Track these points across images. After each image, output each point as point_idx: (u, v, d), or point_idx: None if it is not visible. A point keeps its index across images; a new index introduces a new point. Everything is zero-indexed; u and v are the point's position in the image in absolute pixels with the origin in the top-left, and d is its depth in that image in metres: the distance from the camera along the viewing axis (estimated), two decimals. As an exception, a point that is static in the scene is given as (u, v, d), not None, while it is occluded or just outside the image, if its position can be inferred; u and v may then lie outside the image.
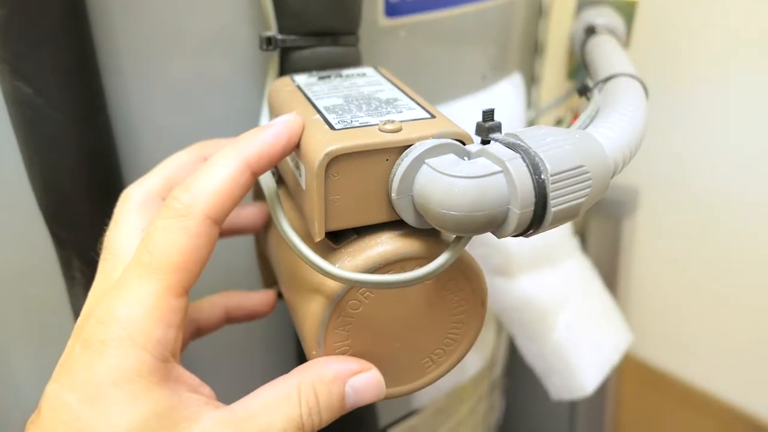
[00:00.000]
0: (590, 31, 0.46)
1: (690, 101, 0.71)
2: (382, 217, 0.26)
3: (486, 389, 0.68)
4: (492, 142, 0.25)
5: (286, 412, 0.24)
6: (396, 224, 0.26)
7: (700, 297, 0.78)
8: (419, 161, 0.24)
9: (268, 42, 0.31)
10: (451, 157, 0.24)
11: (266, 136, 0.25)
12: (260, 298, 0.34)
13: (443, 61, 0.43)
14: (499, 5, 0.46)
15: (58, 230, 0.34)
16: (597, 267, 0.82)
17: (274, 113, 0.30)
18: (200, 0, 0.32)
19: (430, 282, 0.27)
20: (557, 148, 0.24)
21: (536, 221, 0.24)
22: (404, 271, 0.25)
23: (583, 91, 0.35)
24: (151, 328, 0.23)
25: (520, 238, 0.25)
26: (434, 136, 0.25)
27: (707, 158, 0.72)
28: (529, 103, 0.57)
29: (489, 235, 0.29)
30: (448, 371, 0.30)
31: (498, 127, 0.25)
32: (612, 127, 0.27)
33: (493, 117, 0.25)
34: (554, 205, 0.23)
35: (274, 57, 0.32)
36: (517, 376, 0.79)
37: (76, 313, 0.37)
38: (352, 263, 0.25)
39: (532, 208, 0.23)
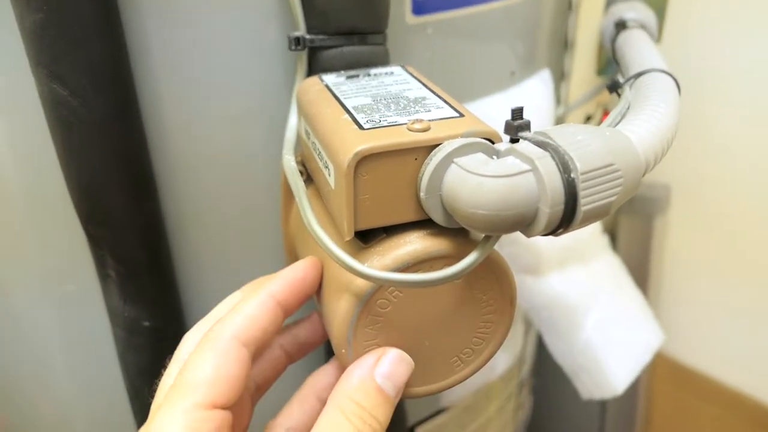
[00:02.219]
0: (621, 25, 0.45)
1: (723, 96, 0.69)
2: (411, 216, 0.26)
3: (514, 388, 0.68)
4: (521, 140, 0.24)
5: None
6: (425, 223, 0.26)
7: (732, 295, 0.77)
8: (448, 160, 0.24)
9: (297, 42, 0.31)
10: (479, 156, 0.24)
11: (286, 273, 0.28)
12: (310, 326, 0.33)
13: (471, 58, 0.43)
14: (527, 1, 0.46)
15: (93, 229, 0.35)
16: (627, 265, 0.81)
17: (302, 112, 0.31)
18: (231, 1, 0.33)
19: (459, 281, 0.27)
20: (587, 146, 0.23)
21: (566, 220, 0.23)
22: (433, 270, 0.25)
23: (614, 88, 0.35)
24: None
25: (550, 237, 0.25)
26: (462, 135, 0.25)
27: (740, 154, 0.70)
28: (559, 99, 0.56)
29: (518, 234, 0.29)
30: (477, 370, 0.30)
31: (527, 126, 0.25)
32: (643, 125, 0.27)
33: (522, 115, 0.25)
34: (584, 204, 0.23)
35: (303, 57, 0.33)
36: (546, 374, 0.78)
37: (110, 311, 0.38)
38: (381, 262, 0.25)
39: (562, 206, 0.23)
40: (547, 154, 0.23)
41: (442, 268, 0.25)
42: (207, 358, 0.25)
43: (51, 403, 0.45)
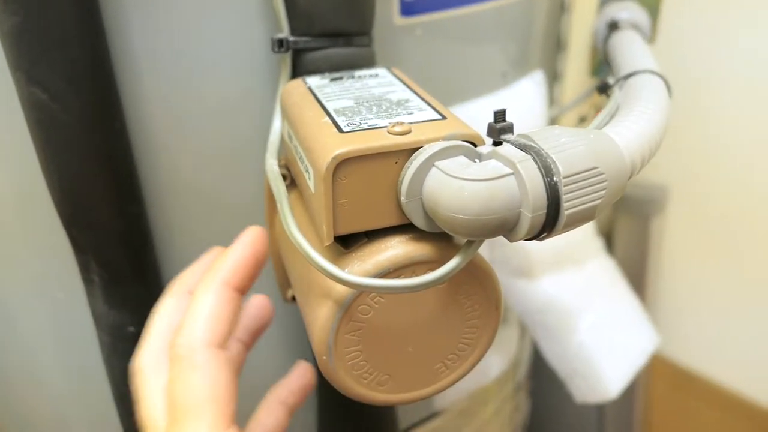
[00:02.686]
0: (613, 26, 0.45)
1: (719, 96, 0.69)
2: (393, 220, 0.25)
3: (510, 390, 0.67)
4: (504, 143, 0.24)
5: None
6: (407, 228, 0.26)
7: (731, 297, 0.76)
8: (428, 164, 0.23)
9: (280, 44, 0.31)
10: (461, 160, 0.24)
11: (234, 254, 0.27)
12: (300, 376, 0.33)
13: (461, 59, 0.42)
14: (519, 2, 0.45)
15: (76, 234, 0.35)
16: (625, 266, 0.81)
17: (285, 115, 0.30)
18: (214, 3, 0.32)
19: (443, 286, 0.26)
20: (571, 149, 0.23)
21: (549, 224, 0.23)
22: (415, 275, 0.25)
23: (604, 89, 0.34)
24: None
25: (534, 241, 0.24)
26: (444, 138, 0.24)
27: (737, 155, 0.70)
28: (552, 100, 0.56)
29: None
30: (462, 376, 0.29)
31: (510, 128, 0.24)
32: (630, 127, 0.27)
33: (504, 118, 0.24)
34: (567, 208, 0.22)
35: (287, 59, 0.32)
36: (544, 376, 0.77)
37: (95, 316, 0.37)
38: (362, 268, 0.25)
39: (545, 211, 0.22)
40: (529, 157, 0.22)
41: (424, 273, 0.24)
42: (193, 380, 0.24)
43: (47, 405, 0.44)
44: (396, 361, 0.27)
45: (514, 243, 0.47)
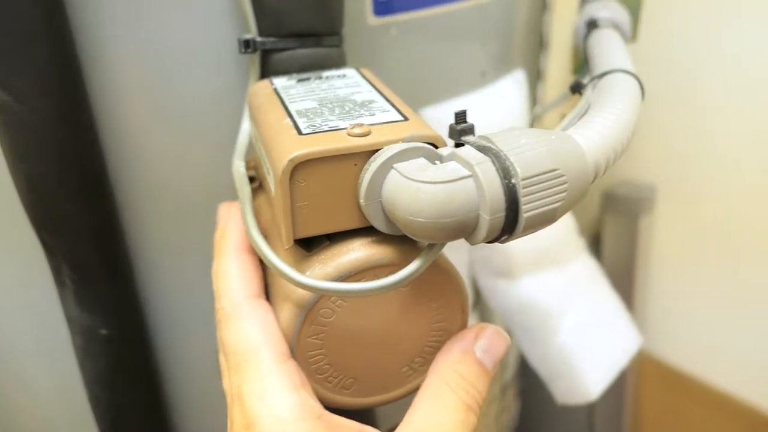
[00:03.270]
0: (592, 24, 0.44)
1: (705, 95, 0.68)
2: (354, 223, 0.25)
3: (497, 392, 0.67)
4: (465, 145, 0.24)
5: (450, 406, 0.25)
6: (370, 230, 0.25)
7: (720, 296, 0.76)
8: (387, 166, 0.23)
9: (246, 45, 0.30)
10: (420, 162, 0.23)
11: (234, 225, 0.30)
12: None
13: (439, 59, 0.42)
14: (499, 0, 0.45)
15: (46, 237, 0.34)
16: (614, 266, 0.81)
17: (252, 116, 0.30)
18: (183, 2, 0.32)
19: (406, 289, 0.26)
20: (530, 150, 0.23)
21: (509, 227, 0.23)
22: (377, 278, 0.24)
23: (577, 88, 0.34)
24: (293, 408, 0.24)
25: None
26: (404, 140, 0.24)
27: (726, 153, 0.70)
28: (535, 99, 0.55)
29: None
30: (430, 380, 0.29)
31: (471, 129, 0.24)
32: (595, 128, 0.26)
33: (465, 119, 0.24)
34: (526, 210, 0.22)
35: (256, 59, 0.32)
36: (533, 376, 0.77)
37: (68, 318, 0.37)
38: (323, 271, 0.25)
39: (503, 213, 0.22)
40: (487, 159, 0.22)
41: (387, 276, 0.24)
42: (246, 330, 0.26)
43: (32, 406, 0.44)
44: (361, 364, 0.27)
45: (495, 243, 0.47)
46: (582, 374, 0.48)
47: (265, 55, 0.32)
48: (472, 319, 0.53)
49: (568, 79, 0.52)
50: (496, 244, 0.47)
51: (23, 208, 0.33)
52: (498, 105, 0.46)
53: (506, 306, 0.48)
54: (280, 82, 0.30)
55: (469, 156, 0.22)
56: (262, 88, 0.30)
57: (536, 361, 0.50)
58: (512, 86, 0.47)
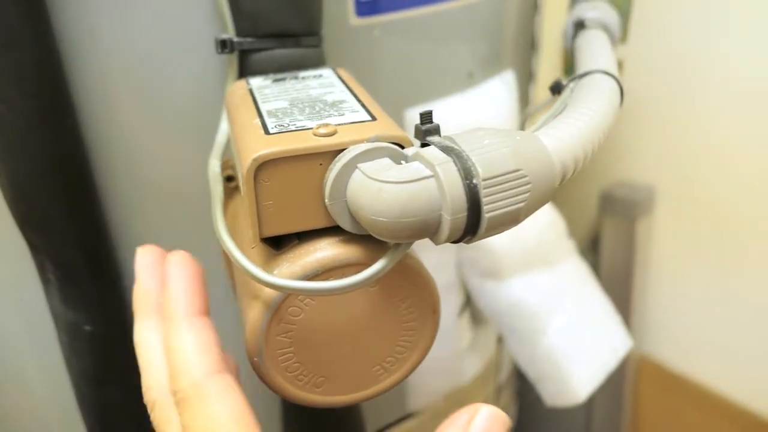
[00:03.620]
0: (579, 25, 0.44)
1: (702, 96, 0.68)
2: (321, 222, 0.25)
3: (491, 392, 0.67)
4: (430, 145, 0.24)
5: None
6: (338, 230, 0.25)
7: (718, 299, 0.75)
8: (351, 165, 0.23)
9: (223, 45, 0.31)
10: (384, 162, 0.23)
11: (178, 284, 0.27)
12: None
13: (424, 60, 0.42)
14: (486, 0, 0.45)
15: (30, 235, 0.35)
16: (612, 268, 0.80)
17: (228, 116, 0.30)
18: (161, 4, 0.32)
19: (375, 289, 0.26)
20: (493, 151, 0.23)
21: (471, 228, 0.23)
22: (345, 277, 0.25)
23: (556, 89, 0.34)
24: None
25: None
26: (369, 140, 0.24)
27: (723, 156, 0.69)
28: (527, 100, 0.55)
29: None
30: (402, 379, 0.29)
31: (436, 130, 0.24)
32: (565, 128, 0.26)
33: (431, 119, 0.24)
34: (488, 211, 0.22)
35: (234, 60, 0.32)
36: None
37: (54, 315, 0.38)
38: (290, 270, 0.25)
39: (465, 213, 0.22)
40: (449, 159, 0.22)
41: (354, 275, 0.24)
42: (214, 410, 0.23)
43: (26, 405, 0.45)
44: (331, 363, 0.27)
45: (482, 244, 0.47)
46: (570, 376, 0.48)
47: (243, 55, 0.32)
48: (464, 318, 0.53)
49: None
50: (485, 245, 0.47)
51: (7, 207, 0.34)
52: (487, 106, 0.46)
53: (494, 307, 0.48)
54: (256, 82, 0.30)
55: (432, 156, 0.22)
56: (238, 88, 0.30)
57: (525, 363, 0.50)
58: (501, 87, 0.47)
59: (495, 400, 0.68)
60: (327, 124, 0.24)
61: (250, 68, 0.32)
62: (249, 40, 0.31)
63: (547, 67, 0.51)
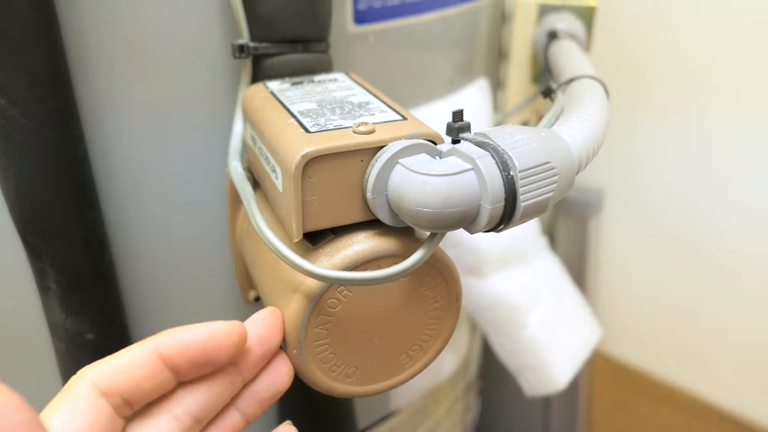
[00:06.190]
0: (552, 35, 0.47)
1: (652, 104, 0.73)
2: (359, 216, 0.26)
3: (462, 389, 0.69)
4: (462, 141, 0.25)
5: None
6: (371, 223, 0.27)
7: (666, 293, 0.80)
8: (393, 161, 0.25)
9: (241, 50, 0.31)
10: (423, 157, 0.25)
11: (190, 332, 0.24)
12: (270, 377, 0.27)
13: (411, 66, 0.44)
14: (463, 12, 0.47)
15: (32, 240, 0.34)
16: (566, 266, 0.84)
17: (248, 119, 0.31)
18: (172, 9, 0.33)
19: (406, 279, 0.28)
20: (525, 145, 0.25)
21: (507, 216, 0.24)
22: (381, 268, 0.26)
23: (547, 93, 0.37)
24: None
25: (492, 234, 0.26)
26: (407, 137, 0.25)
27: (669, 160, 0.74)
28: (496, 106, 0.58)
29: (461, 236, 0.29)
30: (425, 367, 0.30)
31: (467, 127, 0.26)
32: (576, 126, 0.29)
33: (462, 117, 0.26)
34: (524, 200, 0.24)
35: (247, 64, 0.33)
36: (490, 377, 0.80)
37: (51, 324, 0.37)
38: (330, 262, 0.26)
39: (503, 203, 0.24)
40: (487, 153, 0.24)
41: (389, 266, 0.26)
42: (57, 406, 0.22)
43: None
44: (363, 353, 0.28)
45: (466, 242, 0.49)
46: (550, 366, 0.51)
47: (257, 59, 0.33)
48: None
49: (527, 87, 0.55)
50: (467, 244, 0.49)
51: (9, 212, 0.33)
52: (466, 110, 0.48)
53: (477, 303, 0.50)
54: (274, 85, 0.31)
55: (471, 151, 0.24)
56: (257, 92, 0.31)
57: (505, 356, 0.52)
58: (477, 93, 0.50)
59: (465, 397, 0.71)
60: (366, 123, 0.26)
61: (263, 72, 0.33)
62: (265, 45, 0.32)
63: (516, 75, 0.54)
